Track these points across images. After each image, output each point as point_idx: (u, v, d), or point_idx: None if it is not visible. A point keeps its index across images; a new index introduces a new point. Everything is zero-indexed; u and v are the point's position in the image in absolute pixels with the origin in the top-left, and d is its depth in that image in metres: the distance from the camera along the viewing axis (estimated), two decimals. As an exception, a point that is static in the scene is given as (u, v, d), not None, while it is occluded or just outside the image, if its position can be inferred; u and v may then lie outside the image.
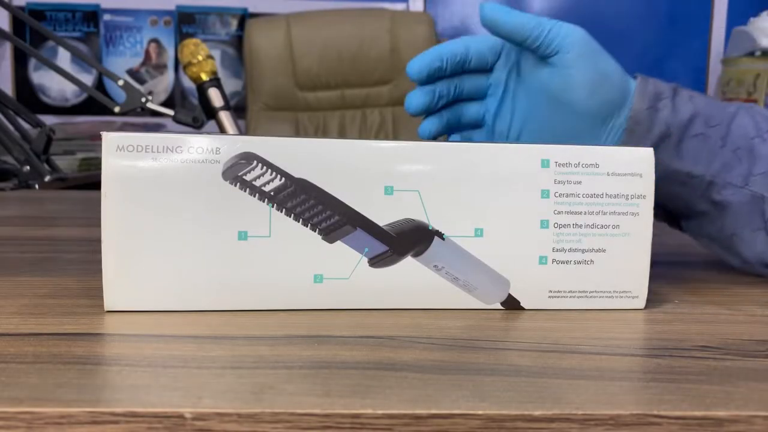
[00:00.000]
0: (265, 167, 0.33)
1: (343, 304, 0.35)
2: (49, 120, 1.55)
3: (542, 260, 0.35)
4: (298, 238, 0.33)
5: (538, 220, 0.35)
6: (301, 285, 0.34)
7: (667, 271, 0.48)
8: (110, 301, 0.33)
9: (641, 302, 0.36)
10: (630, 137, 0.42)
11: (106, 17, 2.32)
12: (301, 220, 0.33)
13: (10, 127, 1.31)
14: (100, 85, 2.22)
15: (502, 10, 0.42)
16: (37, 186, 1.27)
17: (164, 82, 2.34)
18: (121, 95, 1.27)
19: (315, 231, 0.33)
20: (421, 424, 0.23)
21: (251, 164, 0.33)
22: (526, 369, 0.27)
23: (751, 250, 0.43)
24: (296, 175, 0.33)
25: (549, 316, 0.35)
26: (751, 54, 2.09)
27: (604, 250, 0.36)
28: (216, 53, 2.31)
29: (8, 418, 0.22)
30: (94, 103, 2.14)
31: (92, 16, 2.32)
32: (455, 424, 0.23)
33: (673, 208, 0.45)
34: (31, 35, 2.26)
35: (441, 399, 0.24)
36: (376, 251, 0.34)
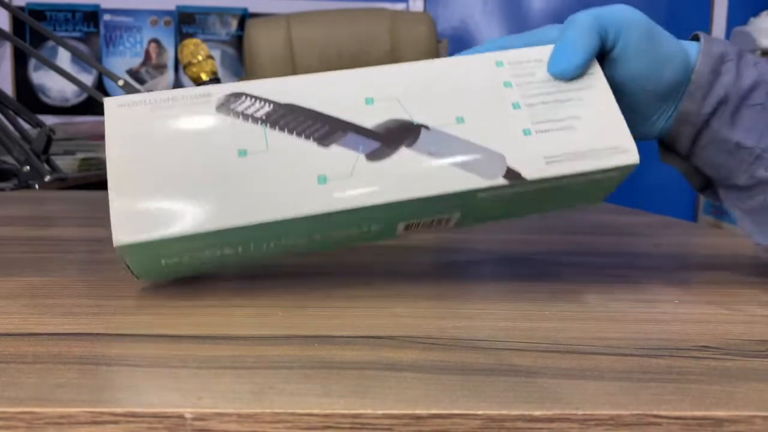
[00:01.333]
0: (254, 99, 0.36)
1: (351, 203, 0.35)
2: (49, 120, 1.55)
3: (526, 132, 0.37)
4: (295, 146, 0.35)
5: (510, 104, 0.38)
6: (306, 188, 0.34)
7: (667, 271, 0.48)
8: (119, 235, 0.33)
9: (634, 156, 0.38)
10: (689, 101, 0.40)
11: (106, 17, 2.32)
12: (294, 133, 0.35)
13: (10, 127, 1.31)
14: (100, 85, 2.23)
15: (564, 61, 0.39)
16: (37, 186, 1.27)
17: (164, 82, 2.34)
18: (121, 95, 1.27)
19: (309, 139, 0.35)
20: (421, 424, 0.23)
21: (240, 98, 0.36)
22: (526, 369, 0.27)
23: None
24: (283, 102, 0.36)
25: (549, 315, 0.35)
26: (752, 54, 2.09)
27: (578, 117, 0.38)
28: (216, 53, 2.31)
29: (8, 418, 0.22)
30: (94, 103, 2.14)
31: (92, 16, 2.33)
32: (455, 424, 0.23)
33: (713, 175, 0.43)
34: (31, 35, 2.26)
35: (441, 399, 0.24)
36: (369, 148, 0.36)
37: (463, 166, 0.36)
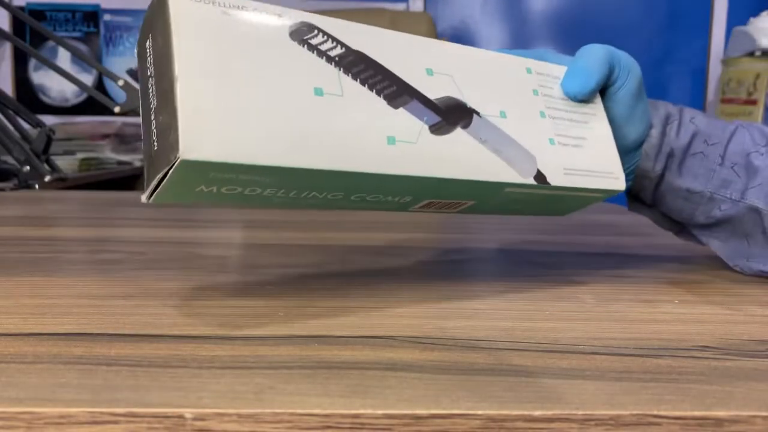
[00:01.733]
0: (326, 36, 0.34)
1: (414, 170, 0.34)
2: (49, 120, 1.55)
3: (551, 141, 0.40)
4: (367, 101, 0.34)
5: (538, 111, 0.40)
6: (377, 146, 0.33)
7: (667, 271, 0.48)
8: (191, 148, 0.28)
9: (622, 183, 0.41)
10: (645, 160, 0.45)
11: (107, 17, 2.33)
12: (366, 85, 0.34)
13: (10, 127, 1.31)
14: (100, 85, 2.23)
15: (579, 83, 0.41)
16: (37, 186, 1.27)
17: (164, 82, 2.33)
18: (121, 95, 1.27)
19: (380, 96, 0.34)
20: (421, 424, 0.23)
21: (313, 32, 0.33)
22: (526, 369, 0.27)
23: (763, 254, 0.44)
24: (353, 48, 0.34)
25: (549, 315, 0.35)
26: (751, 54, 2.09)
27: (585, 138, 0.41)
28: (216, 53, 2.30)
29: (8, 418, 0.22)
30: (94, 103, 2.14)
31: (92, 16, 2.33)
32: (455, 424, 0.23)
33: (677, 219, 0.47)
34: (31, 35, 2.26)
35: (441, 399, 0.24)
36: (432, 121, 0.35)
37: (506, 159, 0.37)
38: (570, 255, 0.54)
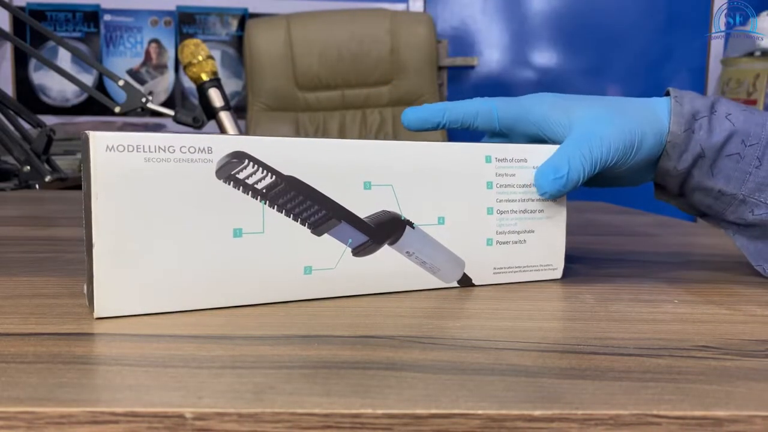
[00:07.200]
0: (256, 165, 0.34)
1: (330, 293, 0.37)
2: (49, 120, 1.55)
3: (489, 242, 0.41)
4: (289, 233, 0.35)
5: (485, 208, 0.40)
6: (292, 277, 0.36)
7: (667, 271, 0.48)
8: (101, 307, 0.32)
9: (559, 273, 0.43)
10: (666, 159, 0.41)
11: (107, 17, 2.33)
12: (291, 215, 0.35)
13: (11, 128, 1.31)
14: (100, 85, 2.23)
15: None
16: (37, 186, 1.28)
17: (164, 83, 2.34)
18: (121, 95, 1.27)
19: (304, 225, 0.35)
20: (421, 424, 0.23)
21: (243, 163, 0.34)
22: (526, 369, 0.27)
23: None
24: (285, 173, 0.34)
25: (549, 315, 0.35)
26: (751, 54, 2.09)
27: (533, 231, 0.42)
28: (216, 53, 2.31)
29: (8, 418, 0.22)
30: (95, 104, 2.14)
31: (92, 16, 2.33)
32: (455, 424, 0.23)
33: (706, 212, 0.45)
34: (31, 35, 2.26)
35: (441, 399, 0.24)
36: (358, 242, 0.37)
37: (429, 269, 0.39)
38: (570, 255, 0.54)
